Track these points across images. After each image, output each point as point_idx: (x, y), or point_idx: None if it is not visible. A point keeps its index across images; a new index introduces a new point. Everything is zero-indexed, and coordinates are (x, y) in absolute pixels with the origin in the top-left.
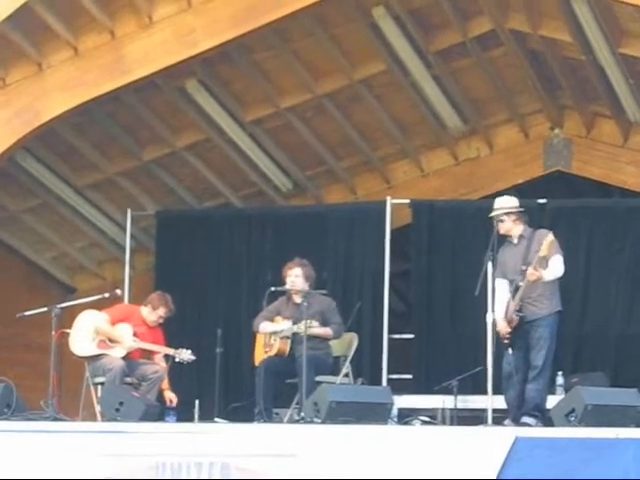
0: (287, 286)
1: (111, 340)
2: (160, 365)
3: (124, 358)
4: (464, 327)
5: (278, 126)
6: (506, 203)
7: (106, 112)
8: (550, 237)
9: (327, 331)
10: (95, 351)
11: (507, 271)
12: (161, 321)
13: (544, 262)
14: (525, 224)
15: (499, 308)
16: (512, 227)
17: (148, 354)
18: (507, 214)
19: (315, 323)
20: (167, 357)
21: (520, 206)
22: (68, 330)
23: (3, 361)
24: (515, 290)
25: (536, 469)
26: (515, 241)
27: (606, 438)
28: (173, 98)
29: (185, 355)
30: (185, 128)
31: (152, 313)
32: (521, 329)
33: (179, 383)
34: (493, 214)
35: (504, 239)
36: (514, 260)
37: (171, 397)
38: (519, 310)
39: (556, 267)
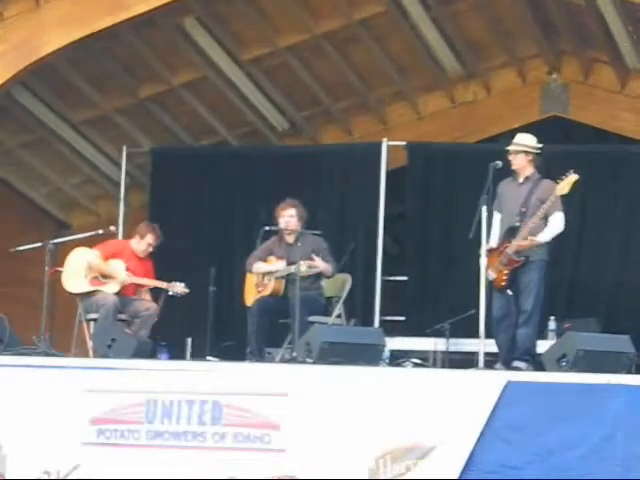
0: (281, 226)
1: (104, 276)
2: (149, 300)
3: (117, 294)
4: (457, 270)
5: (275, 65)
6: (528, 141)
7: (103, 48)
8: (556, 193)
9: (327, 267)
10: (88, 288)
11: (503, 205)
12: (150, 249)
13: (543, 219)
14: (536, 168)
15: (494, 240)
16: (525, 166)
17: (138, 288)
18: (526, 152)
19: (306, 262)
20: (160, 291)
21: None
22: (61, 268)
23: None
24: (511, 231)
25: (527, 413)
26: (520, 180)
27: (597, 384)
28: (171, 36)
29: (178, 288)
30: (182, 66)
31: (141, 242)
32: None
33: (172, 321)
34: (512, 148)
35: (503, 176)
36: (515, 199)
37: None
38: (517, 252)
39: (555, 226)
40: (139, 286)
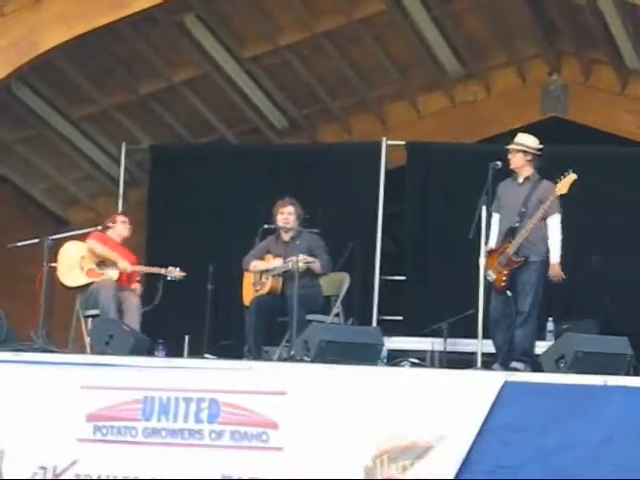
0: (279, 224)
1: (102, 264)
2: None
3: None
4: (456, 270)
5: (275, 64)
6: (528, 141)
7: (103, 45)
8: (555, 193)
9: (316, 262)
10: (86, 280)
11: (502, 205)
12: (128, 226)
13: (542, 220)
14: (535, 169)
15: (493, 241)
16: (524, 165)
17: (131, 277)
18: (524, 152)
19: (302, 256)
20: (158, 277)
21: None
22: (54, 264)
23: None
24: (511, 232)
25: (524, 414)
26: (520, 180)
27: (595, 385)
28: (171, 33)
29: (176, 272)
30: (182, 63)
31: (116, 226)
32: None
33: (169, 318)
34: (512, 147)
35: (503, 176)
36: (514, 199)
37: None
38: (516, 252)
39: (556, 235)
40: (131, 275)
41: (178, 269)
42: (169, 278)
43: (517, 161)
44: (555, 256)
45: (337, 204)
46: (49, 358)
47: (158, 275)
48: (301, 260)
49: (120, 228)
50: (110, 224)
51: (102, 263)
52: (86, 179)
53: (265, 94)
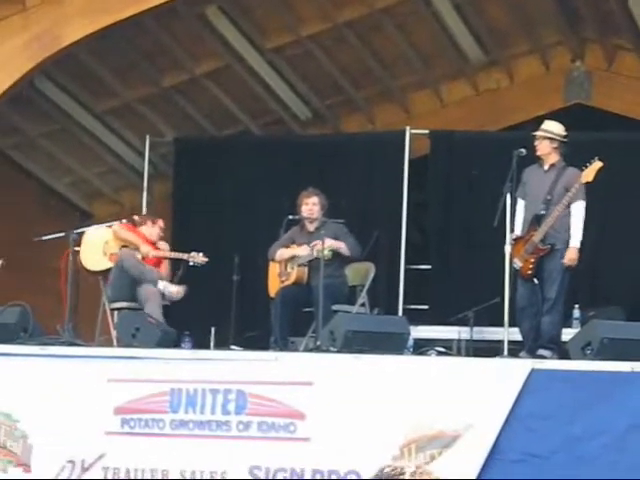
0: (304, 214)
1: (125, 248)
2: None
3: None
4: (481, 258)
5: (298, 54)
6: (554, 128)
7: (126, 38)
8: (581, 180)
9: (349, 247)
10: (108, 264)
11: (527, 192)
12: (162, 234)
13: (567, 207)
14: (561, 156)
15: (519, 228)
16: (550, 152)
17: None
18: (551, 139)
19: (328, 241)
20: (180, 262)
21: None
22: (77, 248)
23: (20, 285)
24: (537, 220)
25: (551, 401)
26: (546, 167)
27: (621, 371)
28: (193, 25)
29: (199, 258)
30: (205, 55)
31: (153, 227)
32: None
33: (195, 310)
34: (539, 133)
35: (527, 163)
36: (539, 186)
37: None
38: (543, 240)
39: (579, 222)
40: (157, 265)
41: (201, 254)
42: (191, 263)
43: (544, 148)
44: (575, 241)
45: (361, 194)
46: (76, 352)
47: (181, 261)
48: (327, 247)
49: (154, 230)
50: (150, 222)
51: (125, 247)
52: (110, 172)
53: (288, 85)
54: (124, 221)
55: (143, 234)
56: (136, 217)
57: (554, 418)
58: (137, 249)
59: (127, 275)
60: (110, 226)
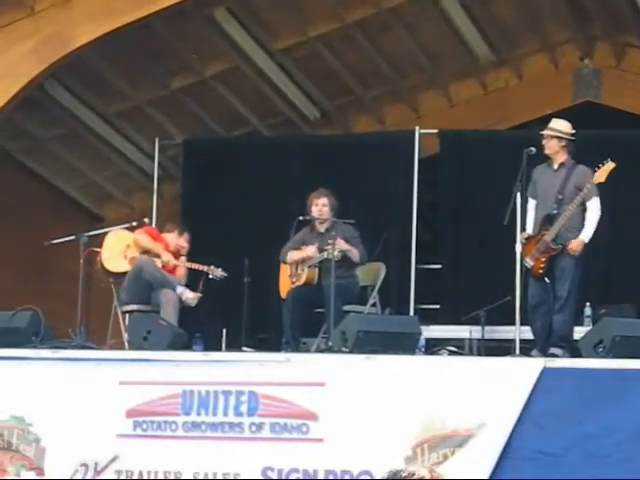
0: (314, 215)
1: (146, 254)
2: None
3: None
4: (492, 257)
5: (307, 55)
6: (562, 127)
7: (134, 41)
8: (593, 181)
9: (356, 252)
10: (127, 267)
11: (538, 192)
12: (183, 250)
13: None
14: (570, 154)
15: (530, 227)
16: (558, 151)
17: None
18: (559, 138)
19: (339, 242)
20: (200, 274)
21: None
22: (97, 249)
23: (31, 289)
24: (548, 219)
25: (563, 399)
26: (555, 166)
27: (633, 369)
28: (202, 27)
29: (218, 272)
30: (213, 57)
31: (179, 239)
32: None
33: (207, 312)
34: (546, 132)
35: (537, 162)
36: (550, 186)
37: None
38: (554, 240)
39: (594, 217)
40: (174, 273)
41: (220, 269)
42: (211, 276)
43: (552, 147)
44: (586, 234)
45: (371, 194)
46: (88, 355)
47: (200, 272)
48: (337, 248)
49: (178, 240)
50: (176, 232)
51: (146, 254)
52: (120, 175)
53: (297, 86)
54: (134, 223)
55: (166, 241)
56: (168, 225)
57: (566, 416)
58: (158, 256)
59: (144, 280)
60: (132, 229)
